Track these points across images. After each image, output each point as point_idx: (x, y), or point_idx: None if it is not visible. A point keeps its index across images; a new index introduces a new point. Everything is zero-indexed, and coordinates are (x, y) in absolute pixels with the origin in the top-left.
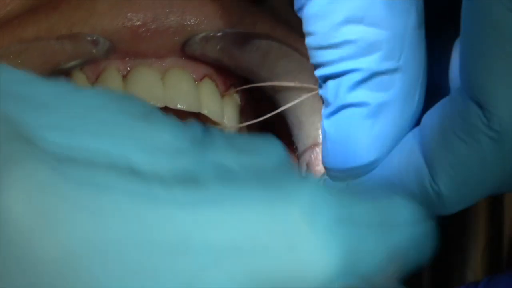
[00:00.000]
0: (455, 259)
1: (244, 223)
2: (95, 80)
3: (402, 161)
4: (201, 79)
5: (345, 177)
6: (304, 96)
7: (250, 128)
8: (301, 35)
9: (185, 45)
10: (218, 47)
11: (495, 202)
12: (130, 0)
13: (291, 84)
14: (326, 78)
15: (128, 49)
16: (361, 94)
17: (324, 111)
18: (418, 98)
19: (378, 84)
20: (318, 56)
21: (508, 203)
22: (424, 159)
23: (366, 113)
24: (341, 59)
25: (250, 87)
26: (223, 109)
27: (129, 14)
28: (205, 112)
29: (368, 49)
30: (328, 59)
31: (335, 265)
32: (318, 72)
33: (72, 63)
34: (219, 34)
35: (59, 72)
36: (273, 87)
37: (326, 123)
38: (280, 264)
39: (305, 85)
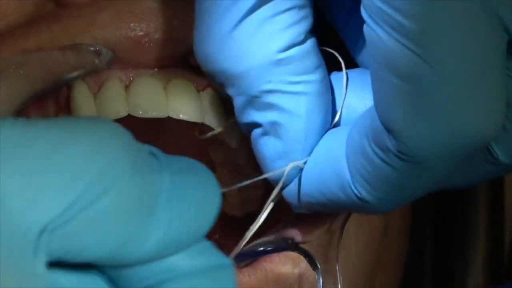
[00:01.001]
0: (456, 267)
1: None
2: (97, 91)
3: (326, 166)
4: (203, 89)
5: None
6: None
7: None
8: None
9: (188, 55)
10: None
11: (495, 209)
12: (132, 11)
13: None
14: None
15: (131, 59)
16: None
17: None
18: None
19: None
20: None
21: (508, 210)
22: (347, 164)
23: (262, 131)
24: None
25: None
26: (226, 119)
27: (131, 24)
28: (207, 122)
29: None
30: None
31: None
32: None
33: (74, 73)
34: None
35: (61, 82)
36: None
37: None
38: None
39: None
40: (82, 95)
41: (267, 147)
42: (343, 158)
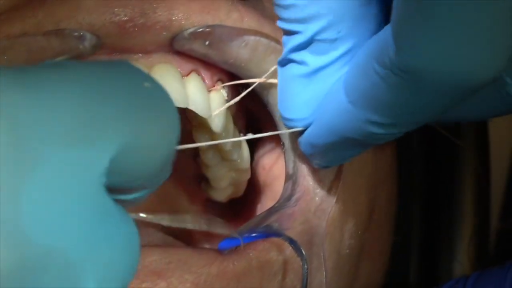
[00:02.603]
0: (442, 252)
1: None
2: None
3: (331, 106)
4: (187, 74)
5: (290, 126)
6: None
7: (237, 124)
8: None
9: (173, 40)
10: (206, 42)
11: (481, 193)
12: None
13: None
14: (284, 32)
15: (115, 45)
16: (301, 54)
17: (278, 59)
18: None
19: (317, 49)
20: (277, 11)
21: (494, 194)
22: (344, 90)
23: (304, 72)
24: (289, 20)
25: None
26: (210, 104)
27: (116, 9)
28: (192, 107)
29: (310, 19)
30: (283, 16)
31: None
32: (278, 24)
33: (59, 59)
34: (207, 29)
35: None
36: (260, 85)
37: (278, 70)
38: None
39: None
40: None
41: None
42: (341, 86)
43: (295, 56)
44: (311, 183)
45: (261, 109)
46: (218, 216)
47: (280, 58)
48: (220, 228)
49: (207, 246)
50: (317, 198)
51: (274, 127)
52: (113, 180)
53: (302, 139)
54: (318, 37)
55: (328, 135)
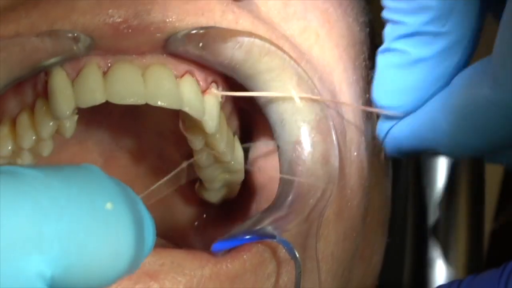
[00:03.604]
0: (435, 254)
1: None
2: (75, 77)
3: (427, 117)
4: (182, 76)
5: (385, 113)
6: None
7: (231, 125)
8: (283, 33)
9: (167, 42)
10: (200, 44)
11: (476, 196)
12: None
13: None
14: (387, 20)
15: (109, 46)
16: (404, 44)
17: (380, 48)
18: (457, 62)
19: (421, 41)
20: (384, 1)
21: (489, 198)
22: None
23: (405, 61)
24: (395, 10)
25: (234, 89)
26: (204, 106)
27: (110, 10)
28: (186, 109)
29: (418, 10)
30: (390, 6)
31: None
32: (383, 14)
33: (53, 60)
34: (201, 31)
35: (39, 69)
36: (255, 86)
37: (378, 58)
38: None
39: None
40: (60, 82)
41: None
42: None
43: (397, 45)
44: (305, 185)
45: (256, 110)
46: (212, 218)
47: (382, 46)
48: None
49: (200, 248)
50: (311, 200)
51: (269, 129)
52: None
53: (395, 133)
54: (423, 29)
55: (417, 144)
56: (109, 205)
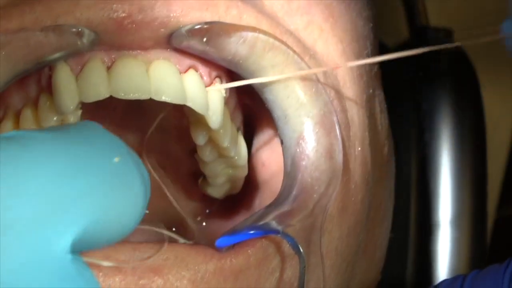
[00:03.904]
0: (439, 249)
1: None
2: (79, 72)
3: None
4: (186, 71)
5: None
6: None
7: (235, 121)
8: (287, 27)
9: (170, 37)
10: (204, 39)
11: (479, 190)
12: None
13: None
14: None
15: (113, 41)
16: None
17: None
18: None
19: None
20: None
21: (491, 192)
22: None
23: None
24: None
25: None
26: (208, 101)
27: (114, 5)
28: (190, 104)
29: None
30: None
31: None
32: None
33: (57, 55)
34: (205, 26)
35: (43, 63)
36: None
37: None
38: None
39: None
40: (64, 77)
41: None
42: None
43: None
44: (309, 180)
45: (260, 106)
46: (215, 213)
47: None
48: None
49: (204, 243)
50: (315, 195)
51: (273, 124)
52: (84, 246)
53: None
54: None
55: None
56: (116, 159)
